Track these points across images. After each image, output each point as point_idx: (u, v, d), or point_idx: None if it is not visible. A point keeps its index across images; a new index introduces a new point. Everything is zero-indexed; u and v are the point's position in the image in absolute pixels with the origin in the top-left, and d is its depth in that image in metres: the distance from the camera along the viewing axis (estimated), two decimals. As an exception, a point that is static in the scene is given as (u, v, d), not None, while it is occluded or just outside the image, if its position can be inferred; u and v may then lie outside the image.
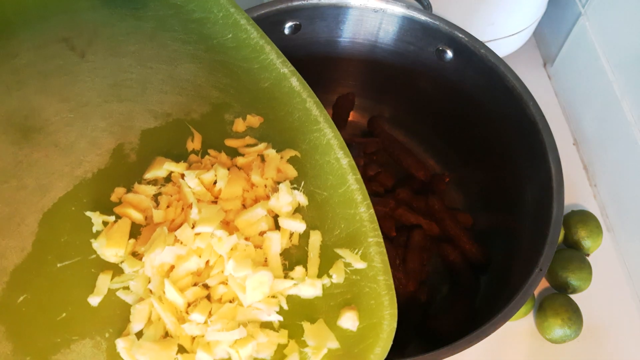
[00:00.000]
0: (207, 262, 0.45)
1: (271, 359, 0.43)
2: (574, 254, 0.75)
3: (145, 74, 0.53)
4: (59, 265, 0.45)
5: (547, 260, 0.57)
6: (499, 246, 0.72)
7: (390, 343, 0.44)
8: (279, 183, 0.49)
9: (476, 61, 0.69)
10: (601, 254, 0.78)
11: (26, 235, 0.45)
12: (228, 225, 0.47)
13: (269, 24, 0.66)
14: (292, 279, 0.46)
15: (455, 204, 0.79)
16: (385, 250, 0.48)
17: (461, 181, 0.80)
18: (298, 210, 0.49)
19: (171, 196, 0.48)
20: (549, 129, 0.64)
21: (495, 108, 0.71)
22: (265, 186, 0.49)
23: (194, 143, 0.51)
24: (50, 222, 0.46)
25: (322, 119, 0.52)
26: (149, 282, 0.45)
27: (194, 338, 0.43)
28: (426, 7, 0.72)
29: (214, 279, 0.45)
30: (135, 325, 0.43)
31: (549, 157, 0.63)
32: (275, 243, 0.47)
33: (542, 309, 0.72)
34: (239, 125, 0.53)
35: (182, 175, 0.48)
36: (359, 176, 0.50)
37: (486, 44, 0.68)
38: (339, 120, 0.82)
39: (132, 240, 0.46)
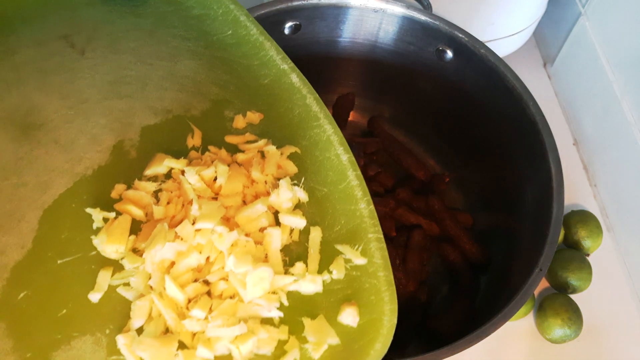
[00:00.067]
0: (208, 258, 0.45)
1: (272, 355, 0.43)
2: (574, 254, 0.75)
3: (145, 71, 0.53)
4: (59, 261, 0.45)
5: (547, 260, 0.57)
6: (499, 246, 0.71)
7: (391, 339, 0.44)
8: (279, 179, 0.49)
9: (476, 61, 0.69)
10: (601, 254, 0.78)
11: (26, 232, 0.45)
12: (228, 222, 0.47)
13: (269, 24, 0.65)
14: (293, 275, 0.46)
15: (455, 204, 0.79)
16: (385, 247, 0.47)
17: (461, 181, 0.80)
18: (298, 206, 0.49)
19: (171, 192, 0.48)
20: (549, 129, 0.64)
21: (495, 108, 0.71)
22: (266, 182, 0.49)
23: (194, 139, 0.51)
24: (51, 218, 0.46)
25: (322, 115, 0.52)
26: (150, 278, 0.44)
27: (194, 334, 0.43)
28: (426, 7, 0.72)
29: (215, 275, 0.45)
30: (136, 321, 0.43)
31: (549, 157, 0.62)
32: (276, 239, 0.47)
33: (542, 309, 0.72)
34: (239, 122, 0.53)
35: (183, 172, 0.48)
36: (359, 172, 0.50)
37: (486, 44, 0.69)
38: (339, 120, 0.82)
39: (132, 237, 0.46)
